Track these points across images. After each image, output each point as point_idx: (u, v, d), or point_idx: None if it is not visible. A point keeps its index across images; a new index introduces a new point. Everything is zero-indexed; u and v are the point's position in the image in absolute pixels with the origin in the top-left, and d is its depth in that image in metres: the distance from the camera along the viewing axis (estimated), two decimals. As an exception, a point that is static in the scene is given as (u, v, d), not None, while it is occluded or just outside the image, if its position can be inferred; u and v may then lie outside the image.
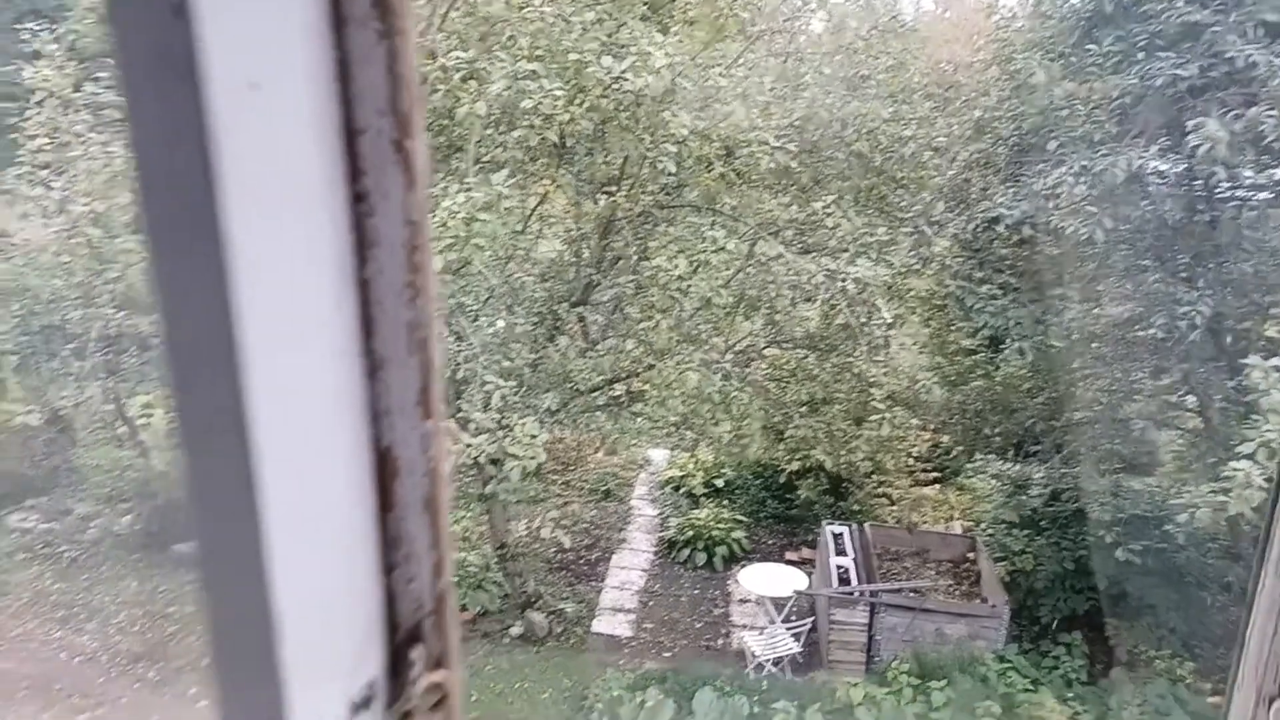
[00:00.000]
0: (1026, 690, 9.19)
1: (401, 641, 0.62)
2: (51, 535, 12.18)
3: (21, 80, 7.64)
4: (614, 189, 8.18)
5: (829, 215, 8.93)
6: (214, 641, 0.51)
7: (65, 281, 9.25)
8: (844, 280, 8.02)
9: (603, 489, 13.90)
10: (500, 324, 6.81)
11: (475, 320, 6.90)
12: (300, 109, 0.48)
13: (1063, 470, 10.09)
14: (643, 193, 8.30)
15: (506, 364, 6.54)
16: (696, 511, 12.68)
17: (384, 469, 0.60)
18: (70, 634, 10.12)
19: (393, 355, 0.57)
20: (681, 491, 13.38)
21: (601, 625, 10.92)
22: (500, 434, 5.64)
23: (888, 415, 9.59)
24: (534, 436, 5.60)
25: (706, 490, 13.11)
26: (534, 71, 6.60)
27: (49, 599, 10.79)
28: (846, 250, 8.74)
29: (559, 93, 6.59)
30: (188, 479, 0.47)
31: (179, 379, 0.46)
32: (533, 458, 5.63)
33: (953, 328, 11.39)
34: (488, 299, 7.25)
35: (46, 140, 7.58)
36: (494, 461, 6.38)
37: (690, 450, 13.04)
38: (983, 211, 9.30)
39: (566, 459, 13.78)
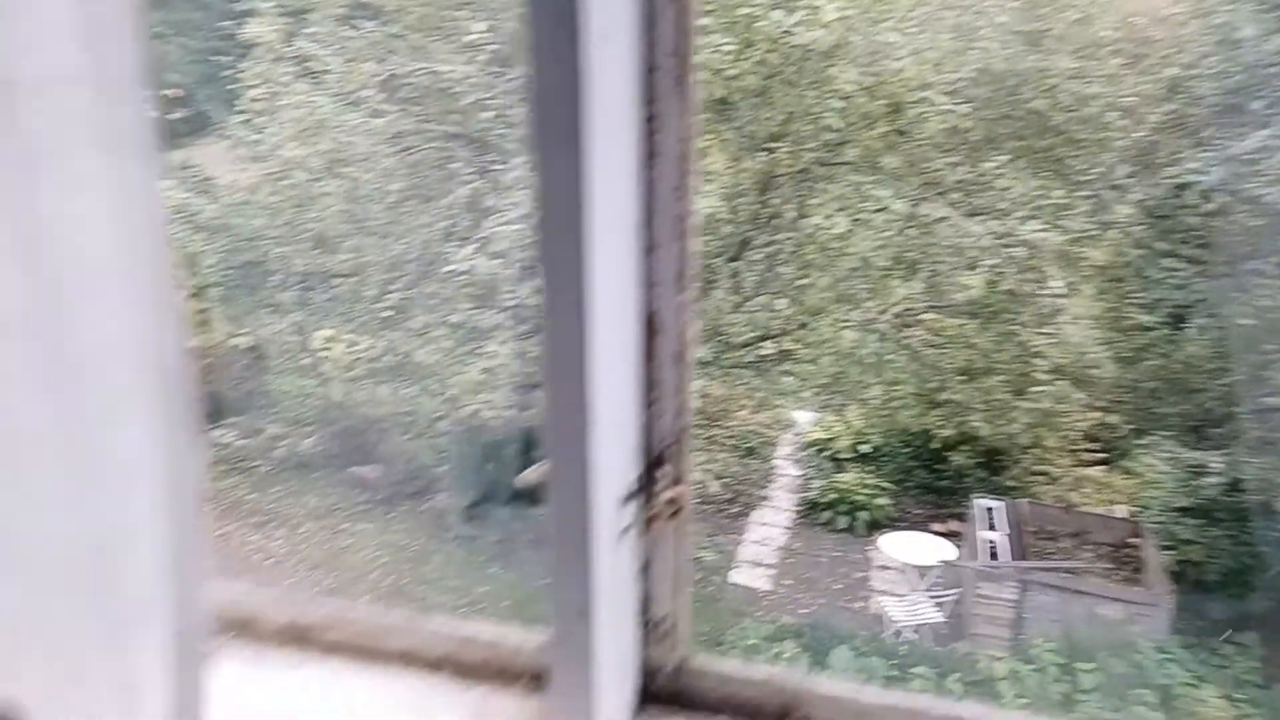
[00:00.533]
0: (1187, 685, 8.75)
1: (652, 462, 0.82)
2: (246, 451, 13.54)
3: (241, 34, 8.48)
4: (775, 145, 8.20)
5: (1000, 176, 8.60)
6: (551, 443, 0.71)
7: (267, 221, 10.20)
8: (1013, 244, 7.75)
9: (746, 446, 14.05)
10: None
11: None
12: (625, 53, 0.67)
13: (1246, 459, 9.42)
14: (804, 150, 8.27)
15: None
16: (841, 475, 12.63)
17: (649, 328, 0.79)
18: (263, 539, 11.33)
19: (663, 240, 0.76)
20: (826, 454, 13.34)
21: (739, 577, 11.16)
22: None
23: (1051, 388, 9.22)
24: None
25: (852, 455, 13.01)
26: (704, 26, 6.72)
27: (245, 507, 12.08)
28: (1017, 213, 8.41)
29: (728, 47, 6.68)
30: (545, 326, 0.68)
31: (546, 253, 0.66)
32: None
33: (1130, 300, 10.73)
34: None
35: (260, 90, 8.38)
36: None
37: (838, 413, 12.96)
38: (1171, 177, 8.69)
39: (712, 414, 14.02)
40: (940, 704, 0.84)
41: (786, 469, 14.33)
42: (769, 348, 10.63)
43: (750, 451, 15.01)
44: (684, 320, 0.80)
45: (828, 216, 7.55)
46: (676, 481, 0.84)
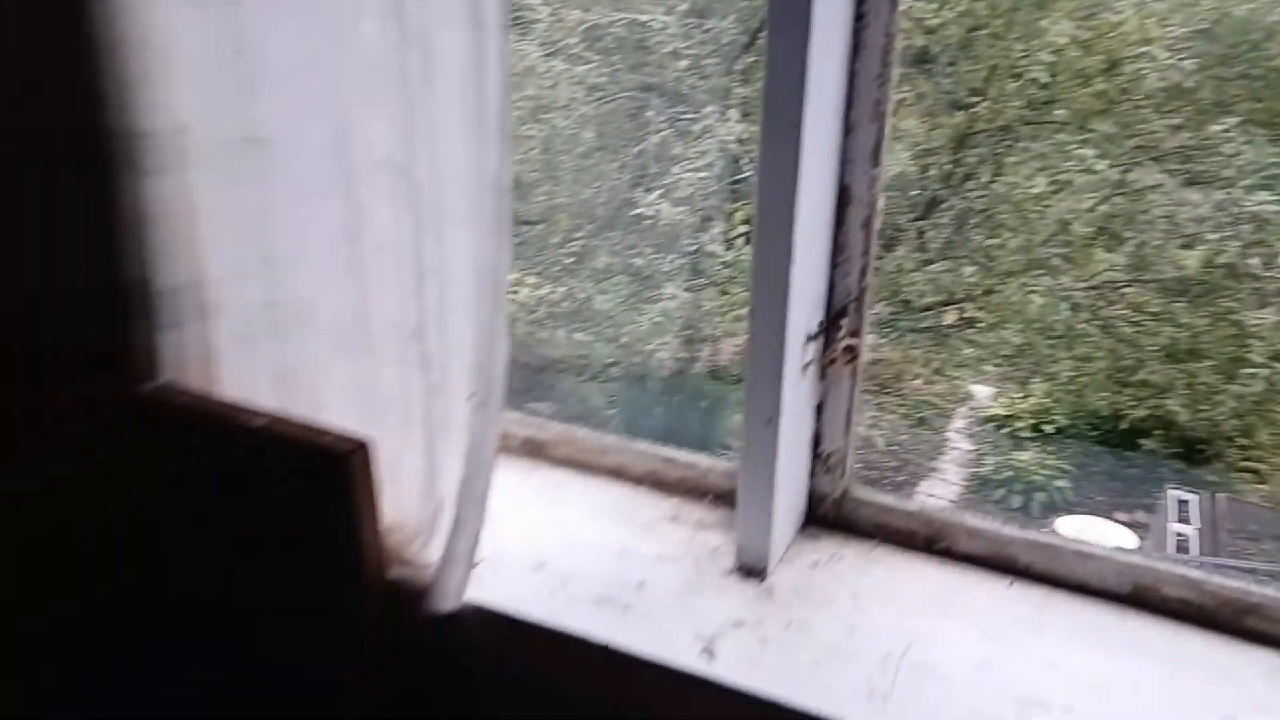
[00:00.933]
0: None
1: (834, 314, 0.99)
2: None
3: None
4: (975, 101, 7.88)
5: (1228, 141, 7.87)
6: (758, 284, 0.89)
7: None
8: (1238, 216, 7.12)
9: (917, 415, 13.76)
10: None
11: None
12: (842, -42, 0.83)
13: None
14: (1007, 107, 7.90)
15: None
16: (1019, 453, 12.14)
17: (841, 198, 0.95)
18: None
19: (861, 123, 0.92)
20: (1004, 431, 12.85)
21: (900, 544, 11.03)
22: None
23: (1268, 375, 8.43)
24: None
25: (1033, 434, 12.46)
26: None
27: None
28: (1244, 182, 7.69)
29: (932, -4, 6.49)
30: (761, 188, 0.85)
31: (768, 127, 0.83)
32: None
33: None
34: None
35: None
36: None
37: (1021, 387, 12.39)
38: None
39: (884, 378, 13.80)
40: (1074, 542, 0.97)
41: (958, 443, 13.92)
42: (951, 314, 10.30)
43: (921, 422, 14.67)
44: (873, 193, 0.96)
45: (1027, 177, 7.20)
46: (853, 334, 1.00)
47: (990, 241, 8.58)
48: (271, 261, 0.96)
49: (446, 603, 0.95)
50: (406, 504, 0.98)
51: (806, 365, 0.97)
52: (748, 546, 1.00)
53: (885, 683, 0.84)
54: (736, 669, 0.86)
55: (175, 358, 0.99)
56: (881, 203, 0.96)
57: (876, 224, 0.97)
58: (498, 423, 0.89)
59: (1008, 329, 8.91)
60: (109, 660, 1.11)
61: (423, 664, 0.98)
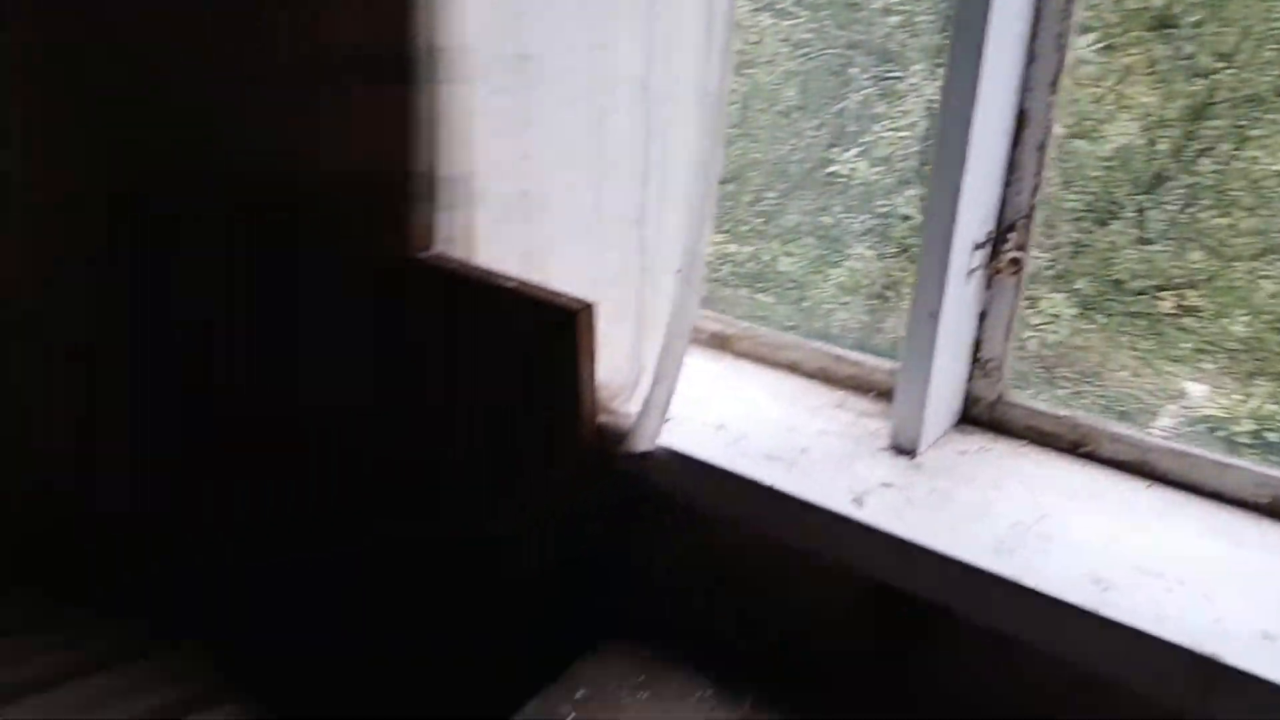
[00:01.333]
0: None
1: (1004, 229, 1.10)
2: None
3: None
4: (1219, 68, 7.21)
5: None
6: (934, 188, 1.02)
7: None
8: None
9: (1119, 410, 12.88)
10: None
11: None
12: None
13: None
14: (1258, 75, 7.18)
15: (1044, 235, 6.42)
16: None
17: (1019, 121, 1.06)
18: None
19: (1044, 52, 1.02)
20: (1218, 434, 11.81)
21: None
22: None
23: None
24: (1055, 316, 5.55)
25: (1252, 442, 11.38)
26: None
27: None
28: None
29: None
30: (944, 104, 0.98)
31: (955, 50, 0.96)
32: (1054, 333, 5.60)
33: None
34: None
35: None
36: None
37: (1243, 386, 11.29)
38: None
39: (1083, 366, 12.98)
40: (1215, 453, 1.05)
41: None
42: (1168, 300, 9.54)
43: (1121, 415, 13.70)
44: (1050, 118, 1.06)
45: (1272, 153, 6.56)
46: (1020, 248, 1.11)
47: (1220, 221, 7.85)
48: (527, 158, 1.19)
49: (642, 445, 1.16)
50: (616, 365, 1.19)
51: (972, 271, 1.09)
52: (902, 428, 1.14)
53: (1013, 541, 0.97)
54: (881, 516, 1.01)
55: (446, 233, 1.25)
56: (1057, 129, 1.06)
57: (1050, 149, 1.07)
58: (698, 294, 1.07)
59: (1232, 320, 8.18)
60: (386, 467, 1.42)
61: (621, 492, 1.21)
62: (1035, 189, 1.08)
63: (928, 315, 1.07)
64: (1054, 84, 1.03)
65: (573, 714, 1.04)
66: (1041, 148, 1.06)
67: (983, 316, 1.16)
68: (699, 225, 1.05)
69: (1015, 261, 1.11)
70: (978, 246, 1.09)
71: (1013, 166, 1.08)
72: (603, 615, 1.25)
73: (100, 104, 1.56)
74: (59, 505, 1.68)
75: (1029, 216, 1.09)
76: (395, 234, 1.26)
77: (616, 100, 1.09)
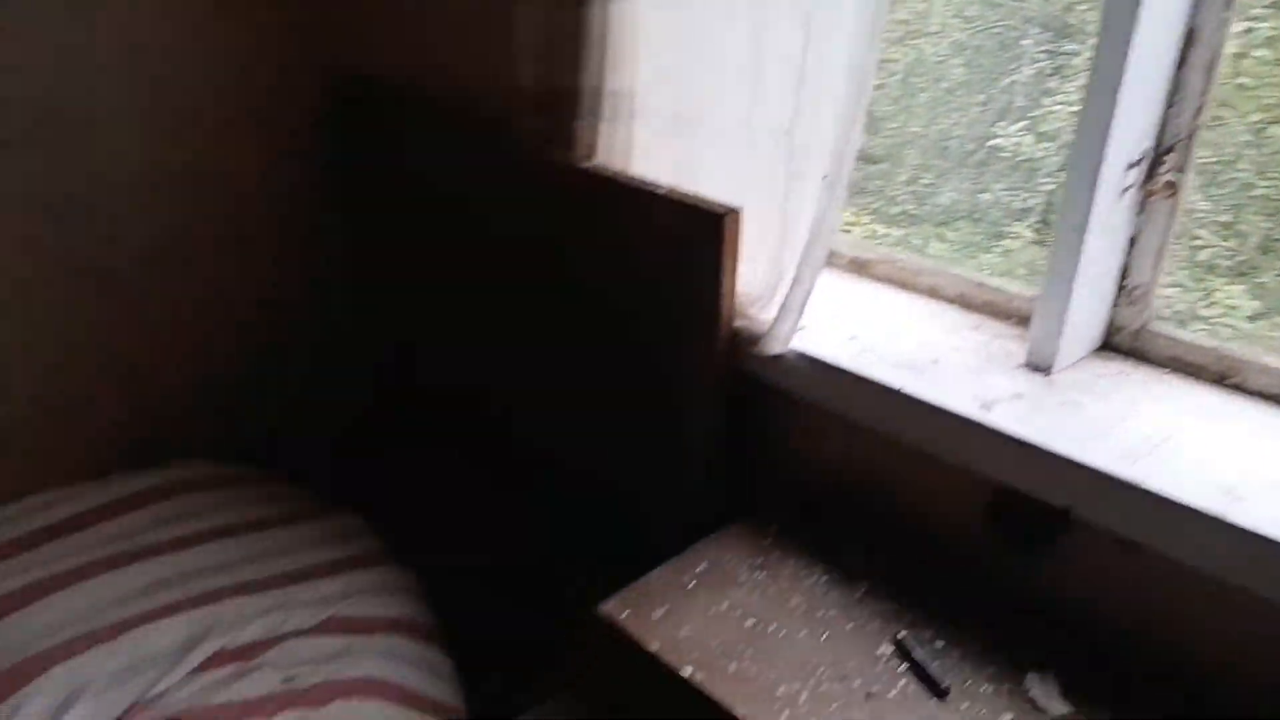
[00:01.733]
0: None
1: (1163, 149, 1.09)
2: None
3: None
4: None
5: None
6: (1090, 99, 1.03)
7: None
8: None
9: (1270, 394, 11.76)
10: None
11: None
12: None
13: None
14: None
15: (1228, 224, 5.92)
16: None
17: (1187, 40, 1.04)
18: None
19: (1218, -34, 1.00)
20: None
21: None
22: (1195, 292, 5.26)
23: None
24: (1233, 308, 5.13)
25: None
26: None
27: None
28: None
29: None
30: (1103, 21, 0.98)
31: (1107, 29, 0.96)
32: (1228, 326, 5.19)
33: None
34: (1235, 158, 6.51)
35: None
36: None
37: None
38: None
39: (1220, 369, 11.90)
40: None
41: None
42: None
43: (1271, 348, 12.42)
44: (1220, 37, 1.04)
45: None
46: (1177, 169, 1.10)
47: None
48: (685, 73, 1.26)
49: (776, 347, 1.22)
50: (756, 271, 1.25)
51: (1125, 189, 1.09)
52: (1038, 347, 1.15)
53: (1139, 451, 0.98)
54: (1009, 421, 1.04)
55: (607, 145, 1.34)
56: (1228, 48, 1.03)
57: (1218, 68, 1.05)
58: (842, 199, 1.12)
59: None
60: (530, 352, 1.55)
61: (755, 392, 1.28)
62: (1199, 111, 1.06)
63: (1073, 230, 1.07)
64: (1228, 3, 1.01)
65: (694, 583, 1.12)
66: (1209, 69, 1.04)
67: (1132, 242, 1.15)
68: (847, 130, 1.09)
69: (1170, 185, 1.10)
70: (1132, 165, 1.08)
71: (1178, 86, 1.06)
72: (731, 499, 1.33)
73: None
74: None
75: (1190, 139, 1.08)
76: (564, 145, 1.36)
77: (779, 11, 1.14)
